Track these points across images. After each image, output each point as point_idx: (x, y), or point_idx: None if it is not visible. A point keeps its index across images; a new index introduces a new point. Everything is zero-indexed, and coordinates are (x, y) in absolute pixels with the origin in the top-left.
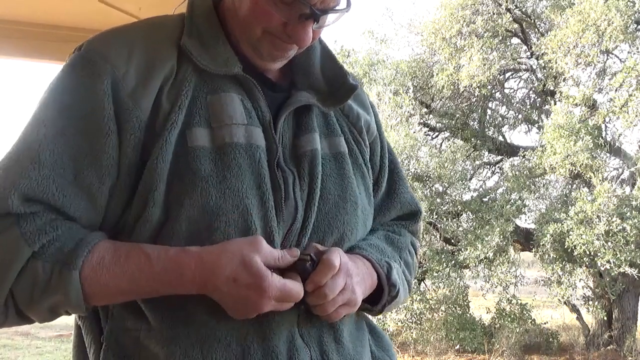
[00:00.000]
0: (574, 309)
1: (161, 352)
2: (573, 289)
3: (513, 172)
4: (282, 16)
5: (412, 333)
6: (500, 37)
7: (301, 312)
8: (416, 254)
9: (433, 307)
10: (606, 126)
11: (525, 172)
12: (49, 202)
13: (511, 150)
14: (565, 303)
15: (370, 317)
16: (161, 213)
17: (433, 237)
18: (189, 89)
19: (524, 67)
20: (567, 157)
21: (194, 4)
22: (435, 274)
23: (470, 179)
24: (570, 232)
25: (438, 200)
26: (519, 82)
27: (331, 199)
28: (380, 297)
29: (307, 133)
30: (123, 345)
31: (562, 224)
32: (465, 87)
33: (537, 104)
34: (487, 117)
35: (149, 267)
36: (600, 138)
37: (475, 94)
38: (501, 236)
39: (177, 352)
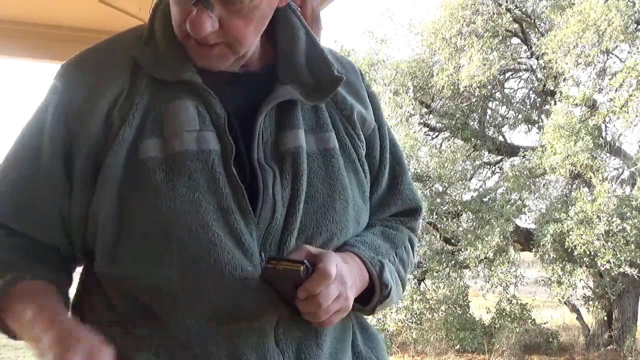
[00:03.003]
0: (574, 309)
1: (129, 353)
2: (573, 289)
3: (513, 172)
4: (181, 7)
5: (412, 333)
6: (500, 37)
7: (282, 314)
8: (413, 250)
9: (433, 307)
10: (606, 126)
11: (525, 172)
12: (6, 223)
13: (511, 150)
14: (565, 303)
15: (364, 316)
16: (115, 227)
17: (433, 237)
18: (140, 102)
19: (524, 67)
20: (567, 157)
21: (158, 7)
22: (435, 274)
23: (470, 179)
24: (570, 232)
25: (438, 200)
26: (519, 82)
27: (319, 198)
28: (371, 296)
29: (290, 129)
30: None
31: (562, 224)
32: (465, 87)
33: (537, 104)
34: (487, 117)
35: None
36: (600, 138)
37: (475, 94)
38: (501, 236)
39: (143, 355)
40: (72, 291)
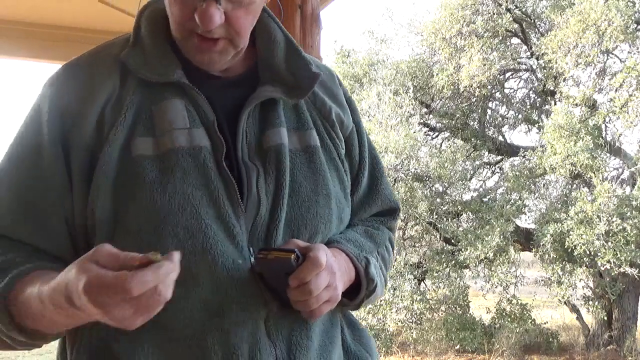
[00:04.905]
0: (574, 309)
1: (124, 353)
2: (573, 289)
3: (513, 172)
4: (185, 5)
5: (412, 333)
6: (500, 37)
7: (271, 307)
8: (393, 250)
9: (433, 307)
10: (606, 126)
11: (525, 172)
12: (5, 233)
13: (511, 150)
14: (565, 303)
15: (351, 312)
16: (110, 225)
17: (433, 237)
18: (131, 102)
19: (524, 67)
20: (567, 157)
21: (144, 11)
22: (435, 274)
23: (470, 179)
24: (571, 232)
25: (438, 200)
26: (519, 82)
27: (303, 192)
28: (358, 291)
29: (272, 127)
30: (92, 344)
31: (562, 224)
32: (465, 87)
33: (537, 104)
34: (487, 117)
35: (42, 311)
36: (600, 138)
37: (475, 94)
38: (501, 236)
39: (140, 353)
40: None
